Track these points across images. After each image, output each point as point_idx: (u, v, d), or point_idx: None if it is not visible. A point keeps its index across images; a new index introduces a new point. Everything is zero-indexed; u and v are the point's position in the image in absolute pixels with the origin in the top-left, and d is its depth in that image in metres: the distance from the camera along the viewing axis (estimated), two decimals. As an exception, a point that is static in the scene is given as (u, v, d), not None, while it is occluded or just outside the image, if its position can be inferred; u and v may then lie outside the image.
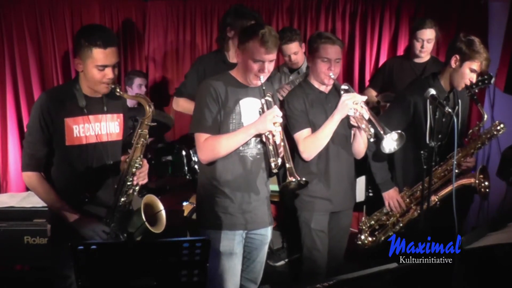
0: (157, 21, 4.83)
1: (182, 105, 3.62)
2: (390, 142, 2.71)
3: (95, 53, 2.27)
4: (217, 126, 2.56)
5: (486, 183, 3.08)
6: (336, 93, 2.98)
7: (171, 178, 3.97)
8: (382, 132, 2.67)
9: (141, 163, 2.41)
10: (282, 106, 3.07)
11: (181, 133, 4.75)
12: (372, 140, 2.74)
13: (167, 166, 3.91)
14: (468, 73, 2.92)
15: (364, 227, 3.24)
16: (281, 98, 3.64)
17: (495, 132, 3.02)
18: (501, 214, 3.96)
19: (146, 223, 2.41)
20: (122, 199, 2.43)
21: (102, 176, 2.46)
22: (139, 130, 2.41)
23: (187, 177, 3.92)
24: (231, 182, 2.59)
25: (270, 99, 2.57)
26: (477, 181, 3.04)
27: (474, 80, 2.95)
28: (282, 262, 4.22)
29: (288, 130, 2.94)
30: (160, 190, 4.13)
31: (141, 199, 2.55)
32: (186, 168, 3.94)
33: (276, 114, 2.44)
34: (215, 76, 2.68)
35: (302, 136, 2.91)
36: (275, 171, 2.49)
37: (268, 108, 2.55)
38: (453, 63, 2.96)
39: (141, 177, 2.44)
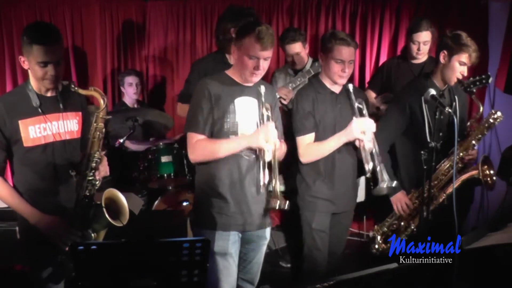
0: (157, 21, 4.82)
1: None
2: (383, 189, 2.81)
3: (35, 49, 2.25)
4: (209, 126, 2.56)
5: (491, 171, 3.06)
6: (346, 94, 2.98)
7: (171, 178, 3.97)
8: (380, 176, 2.76)
9: (100, 157, 2.42)
10: (286, 108, 3.07)
11: (181, 133, 4.75)
12: (368, 175, 2.80)
13: (167, 166, 3.91)
14: (458, 67, 2.93)
15: (377, 235, 3.21)
16: (284, 102, 3.65)
17: (492, 121, 2.99)
18: (501, 214, 3.96)
19: (110, 219, 2.39)
20: (84, 195, 2.41)
21: (63, 175, 2.44)
22: (95, 124, 2.40)
23: (187, 177, 3.92)
24: (226, 182, 2.59)
25: (268, 113, 2.57)
26: (480, 173, 3.03)
27: (465, 73, 2.96)
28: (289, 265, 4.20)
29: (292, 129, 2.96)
30: (161, 190, 4.13)
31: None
32: (186, 168, 3.94)
33: (268, 132, 2.44)
34: (211, 76, 2.69)
35: (304, 141, 2.92)
36: (261, 183, 2.55)
37: (263, 123, 2.56)
38: (442, 59, 2.98)
39: (102, 171, 2.46)
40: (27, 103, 2.37)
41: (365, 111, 2.94)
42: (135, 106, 4.48)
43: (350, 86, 2.96)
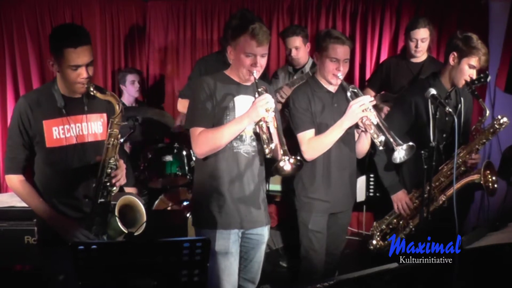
0: (157, 21, 4.83)
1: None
2: (401, 153, 2.66)
3: (66, 53, 2.23)
4: (211, 120, 2.55)
5: (494, 177, 3.04)
6: (343, 93, 2.96)
7: (172, 178, 3.97)
8: (393, 142, 2.64)
9: (116, 163, 2.38)
10: (286, 105, 3.06)
11: (181, 133, 4.75)
12: (381, 148, 2.72)
13: (167, 166, 3.91)
14: (467, 70, 2.90)
15: (375, 232, 3.21)
16: (282, 100, 3.65)
17: (497, 126, 2.97)
18: (501, 214, 3.96)
19: (123, 228, 2.38)
20: (100, 201, 2.38)
21: (83, 178, 2.43)
22: (109, 130, 2.36)
23: (188, 177, 3.92)
24: (225, 180, 2.58)
25: (263, 91, 2.52)
26: (482, 178, 3.01)
27: (474, 76, 2.92)
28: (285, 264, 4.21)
29: (292, 129, 2.94)
30: (161, 190, 4.13)
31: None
32: (186, 168, 3.94)
33: (267, 100, 2.39)
34: (210, 75, 2.69)
35: (306, 136, 2.90)
36: (268, 156, 2.43)
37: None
38: (451, 61, 2.95)
39: (118, 178, 2.40)
40: (51, 103, 2.37)
41: (360, 94, 2.86)
42: (135, 105, 4.49)
43: (339, 75, 2.85)
